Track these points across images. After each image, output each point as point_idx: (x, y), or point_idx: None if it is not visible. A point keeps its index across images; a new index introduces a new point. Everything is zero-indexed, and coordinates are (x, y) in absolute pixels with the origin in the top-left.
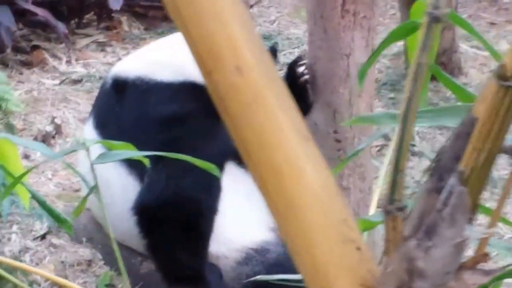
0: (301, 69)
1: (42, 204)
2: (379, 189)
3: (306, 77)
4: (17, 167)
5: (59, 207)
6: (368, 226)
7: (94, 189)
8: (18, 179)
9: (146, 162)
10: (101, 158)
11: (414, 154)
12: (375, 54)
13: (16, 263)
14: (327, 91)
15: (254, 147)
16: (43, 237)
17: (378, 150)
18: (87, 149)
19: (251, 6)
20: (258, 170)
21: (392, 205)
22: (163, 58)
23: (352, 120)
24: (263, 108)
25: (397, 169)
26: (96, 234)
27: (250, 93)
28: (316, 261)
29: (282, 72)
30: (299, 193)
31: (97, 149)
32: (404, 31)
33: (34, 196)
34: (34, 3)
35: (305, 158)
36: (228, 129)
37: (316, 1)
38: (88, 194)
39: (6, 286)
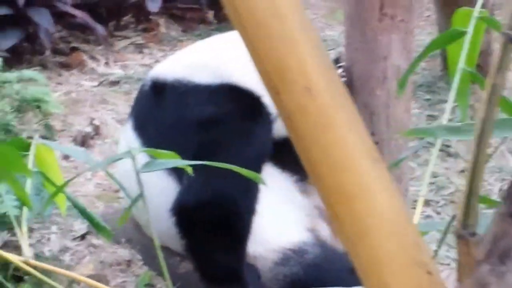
0: (338, 71)
1: (82, 211)
2: (422, 198)
3: (344, 79)
4: (56, 173)
5: (99, 207)
6: None
7: (139, 197)
8: (59, 189)
9: (189, 170)
10: (147, 167)
11: (449, 155)
12: (415, 62)
13: (49, 267)
14: (364, 93)
15: (323, 169)
16: (82, 237)
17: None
18: (133, 158)
19: None
20: (327, 192)
21: (465, 230)
22: (201, 61)
23: (407, 132)
24: (332, 130)
25: (471, 194)
26: (135, 235)
27: (319, 115)
28: (383, 282)
29: None
30: (369, 216)
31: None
32: (446, 39)
33: (73, 203)
34: (73, 5)
35: (375, 180)
36: (296, 149)
37: (354, 5)
38: (133, 203)
39: (44, 286)
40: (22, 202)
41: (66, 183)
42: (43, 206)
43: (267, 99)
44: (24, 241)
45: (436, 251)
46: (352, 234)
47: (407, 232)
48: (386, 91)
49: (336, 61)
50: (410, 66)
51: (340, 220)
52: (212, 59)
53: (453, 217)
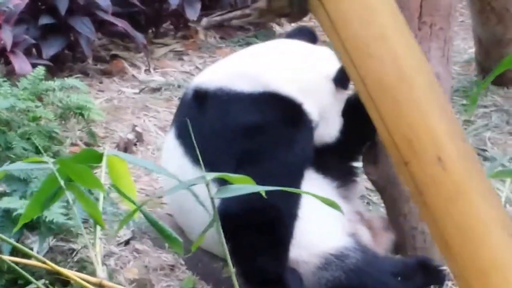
0: None
1: (154, 224)
2: None
3: None
4: (129, 186)
5: None
6: None
7: (214, 222)
8: (136, 210)
9: (263, 194)
10: (220, 193)
11: (486, 159)
12: (486, 81)
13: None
14: None
15: (457, 244)
16: (127, 242)
17: None
18: (207, 184)
19: None
20: (460, 268)
21: None
22: (242, 70)
23: (494, 174)
24: (468, 204)
25: None
26: None
27: (453, 187)
28: None
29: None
30: None
31: (179, 160)
32: None
33: (145, 217)
34: (113, 13)
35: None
36: (425, 221)
37: None
38: (205, 230)
39: None
40: (95, 221)
41: (143, 204)
42: (119, 226)
43: (307, 106)
44: (98, 262)
45: None
46: None
47: None
48: None
49: None
50: (480, 86)
51: None
52: (254, 67)
53: None
